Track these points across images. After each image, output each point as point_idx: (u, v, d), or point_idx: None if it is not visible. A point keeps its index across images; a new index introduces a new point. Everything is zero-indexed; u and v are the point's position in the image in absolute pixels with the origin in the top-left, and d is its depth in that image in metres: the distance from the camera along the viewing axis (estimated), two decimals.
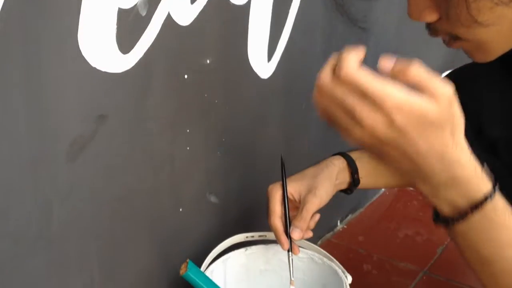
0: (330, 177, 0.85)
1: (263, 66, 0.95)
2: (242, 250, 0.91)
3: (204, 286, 0.77)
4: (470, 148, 0.55)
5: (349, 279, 0.84)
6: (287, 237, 0.82)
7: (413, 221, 1.37)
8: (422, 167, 0.54)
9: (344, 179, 0.88)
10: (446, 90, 0.51)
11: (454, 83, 0.70)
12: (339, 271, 0.85)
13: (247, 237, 0.91)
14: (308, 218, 0.82)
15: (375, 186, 0.97)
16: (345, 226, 1.35)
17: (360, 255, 1.24)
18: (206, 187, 0.91)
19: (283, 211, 0.82)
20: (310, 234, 0.84)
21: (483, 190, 0.56)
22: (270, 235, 0.91)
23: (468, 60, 0.73)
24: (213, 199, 0.92)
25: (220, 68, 0.86)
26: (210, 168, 0.90)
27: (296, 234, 0.81)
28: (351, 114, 0.51)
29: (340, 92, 0.51)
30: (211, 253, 0.86)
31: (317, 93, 0.54)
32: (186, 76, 0.80)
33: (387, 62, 0.51)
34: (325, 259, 0.89)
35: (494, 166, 0.73)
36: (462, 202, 0.56)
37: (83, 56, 0.64)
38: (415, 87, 0.51)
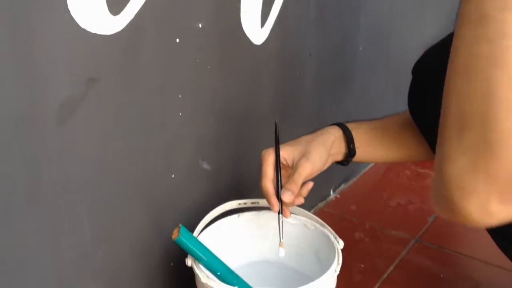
0: (324, 144, 0.86)
1: (256, 32, 0.94)
2: (234, 216, 0.91)
3: (196, 251, 0.77)
4: None
5: (341, 244, 0.84)
6: (278, 200, 0.82)
7: (405, 190, 1.37)
8: None
9: (339, 149, 0.88)
10: None
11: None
12: (331, 236, 0.86)
13: (239, 204, 0.91)
14: (299, 182, 0.82)
15: (372, 158, 0.96)
16: (337, 196, 1.36)
17: (352, 224, 1.25)
18: (198, 154, 0.91)
19: (275, 175, 0.82)
20: (301, 200, 0.84)
21: None
22: (262, 202, 0.91)
23: None
24: (205, 166, 0.92)
25: (213, 33, 0.85)
26: (202, 134, 0.90)
27: (286, 196, 0.81)
28: None
29: None
30: (204, 219, 0.86)
31: None
32: (177, 40, 0.79)
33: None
34: (317, 225, 0.89)
35: None
36: None
37: (72, 17, 0.63)
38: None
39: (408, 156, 0.94)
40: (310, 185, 0.84)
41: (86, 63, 0.67)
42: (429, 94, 0.77)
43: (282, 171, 0.84)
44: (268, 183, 0.82)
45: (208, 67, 0.86)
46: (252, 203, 0.91)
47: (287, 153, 0.84)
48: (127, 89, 0.74)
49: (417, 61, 0.85)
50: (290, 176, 0.82)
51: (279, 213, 0.82)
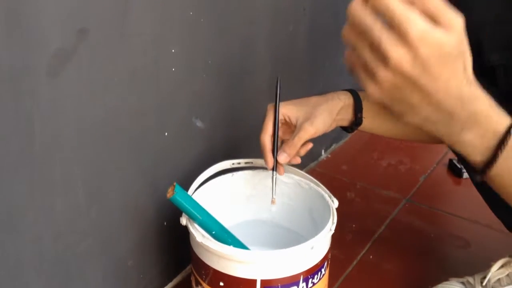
0: (331, 111, 0.84)
1: None
2: (228, 175, 0.89)
3: (191, 209, 0.75)
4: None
5: (335, 203, 0.84)
6: (274, 157, 0.81)
7: (396, 150, 1.37)
8: (442, 106, 0.53)
9: (346, 116, 0.86)
10: (459, 22, 0.51)
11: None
12: (326, 195, 0.85)
13: (233, 163, 0.89)
14: (298, 145, 0.81)
15: (378, 130, 0.92)
16: (329, 155, 1.35)
17: (344, 184, 1.24)
18: (192, 111, 0.88)
19: (273, 131, 0.81)
20: (298, 160, 0.83)
21: (504, 123, 0.55)
22: (256, 162, 0.90)
23: None
24: (198, 123, 0.90)
25: None
26: (195, 91, 0.87)
27: (282, 158, 0.80)
28: (377, 49, 0.50)
29: (369, 19, 0.50)
30: (197, 179, 0.85)
31: (347, 25, 0.53)
32: None
33: None
34: (311, 184, 0.88)
35: (490, 93, 0.72)
36: (485, 143, 0.56)
37: None
38: (431, 16, 0.50)
39: (417, 134, 0.91)
40: (309, 146, 0.84)
41: (76, 12, 0.64)
42: None
43: (285, 127, 0.83)
44: (267, 138, 0.81)
45: (202, 20, 0.83)
46: (246, 163, 0.90)
47: (292, 111, 0.82)
48: (119, 42, 0.71)
49: None
50: (291, 138, 0.81)
51: (273, 169, 0.82)
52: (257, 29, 0.97)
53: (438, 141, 0.82)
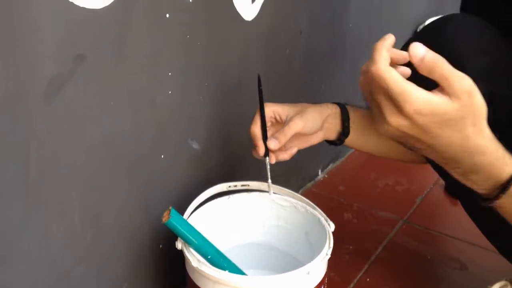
0: (320, 113, 0.85)
1: (247, 7, 0.91)
2: (224, 198, 0.89)
3: (187, 234, 0.75)
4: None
5: (332, 226, 0.83)
6: (264, 144, 0.81)
7: (393, 171, 1.37)
8: (446, 156, 0.59)
9: (334, 126, 0.87)
10: (466, 84, 0.54)
11: (431, 36, 0.70)
12: (322, 219, 0.85)
13: (229, 186, 0.89)
14: (288, 134, 0.81)
15: (365, 146, 0.92)
16: (325, 176, 1.35)
17: (340, 204, 1.24)
18: (188, 133, 0.88)
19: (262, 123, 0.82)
20: (285, 156, 0.83)
21: (507, 172, 0.60)
22: (253, 185, 0.90)
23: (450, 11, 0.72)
24: (195, 145, 0.90)
25: (203, 8, 0.81)
26: (192, 113, 0.87)
27: (272, 143, 0.80)
28: (380, 109, 0.56)
29: (372, 86, 0.56)
30: (193, 202, 0.84)
31: (361, 80, 0.60)
32: (167, 15, 0.76)
33: (417, 52, 0.54)
34: (308, 207, 0.88)
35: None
36: (489, 184, 0.61)
37: None
38: (437, 80, 0.54)
39: (406, 154, 0.92)
40: (295, 150, 0.84)
41: (73, 38, 0.64)
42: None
43: (276, 126, 0.84)
44: (256, 128, 0.82)
45: (198, 43, 0.83)
46: (242, 185, 0.89)
47: (283, 109, 0.84)
48: (116, 66, 0.71)
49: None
50: (281, 128, 0.82)
51: (265, 156, 0.81)
52: (254, 52, 0.97)
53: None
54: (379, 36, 1.40)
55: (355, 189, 1.30)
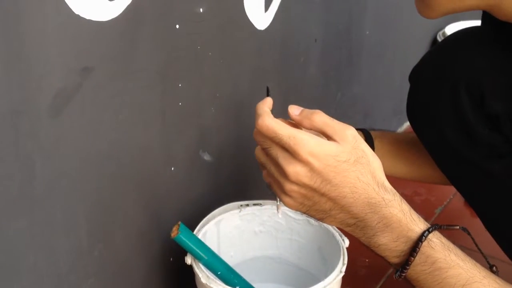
0: None
1: (260, 16, 0.89)
2: (236, 211, 0.87)
3: (196, 250, 0.74)
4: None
5: (346, 242, 0.81)
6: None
7: (412, 181, 1.33)
8: (353, 212, 0.57)
9: None
10: (349, 132, 0.56)
11: (451, 49, 0.68)
12: (336, 234, 0.82)
13: (241, 205, 0.87)
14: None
15: (390, 171, 0.86)
16: None
17: None
18: (199, 145, 0.87)
19: None
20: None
21: (416, 230, 0.58)
22: (265, 203, 0.88)
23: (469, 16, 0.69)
24: (206, 157, 0.88)
25: (214, 18, 0.80)
26: (203, 124, 0.86)
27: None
28: (276, 165, 0.56)
29: (266, 141, 0.57)
30: (203, 221, 0.83)
31: (257, 147, 0.60)
32: (177, 26, 0.74)
33: (294, 110, 0.58)
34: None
35: (496, 141, 0.70)
36: (400, 245, 0.58)
37: (65, 3, 0.59)
38: (321, 128, 0.57)
39: (433, 177, 0.89)
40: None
41: (80, 51, 0.63)
42: (429, 105, 0.74)
43: None
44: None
45: (210, 54, 0.82)
46: (254, 204, 0.87)
47: None
48: (125, 79, 0.70)
49: (415, 67, 0.81)
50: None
51: None
52: (267, 61, 0.96)
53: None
54: (397, 43, 1.38)
55: None
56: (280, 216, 0.80)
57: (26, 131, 0.60)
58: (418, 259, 0.58)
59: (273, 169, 0.58)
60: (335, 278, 0.74)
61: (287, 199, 0.58)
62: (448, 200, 1.27)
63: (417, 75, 0.79)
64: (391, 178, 1.10)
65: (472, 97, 0.68)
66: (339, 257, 0.77)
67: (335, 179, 0.55)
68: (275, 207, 0.87)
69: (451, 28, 1.51)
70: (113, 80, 0.68)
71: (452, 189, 1.29)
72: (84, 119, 0.66)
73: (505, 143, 0.70)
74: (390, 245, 0.59)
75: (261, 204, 0.87)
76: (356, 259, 1.05)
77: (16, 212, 0.62)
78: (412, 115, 0.81)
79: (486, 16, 0.75)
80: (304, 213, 0.60)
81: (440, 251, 0.59)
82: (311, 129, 0.57)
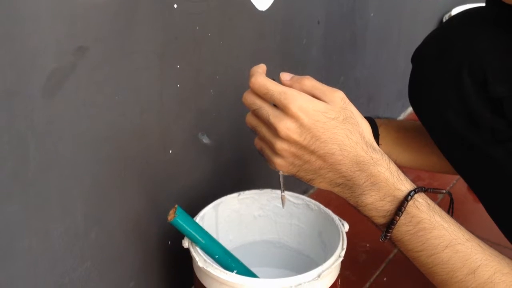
0: None
1: None
2: (234, 195, 0.86)
3: (193, 233, 0.73)
4: None
5: (345, 227, 0.80)
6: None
7: (412, 171, 1.32)
8: (342, 171, 0.58)
9: None
10: (338, 94, 0.58)
11: (455, 30, 0.66)
12: (336, 218, 0.81)
13: (239, 194, 0.86)
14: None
15: (396, 159, 0.85)
16: None
17: None
18: (198, 127, 0.85)
19: None
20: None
21: (402, 189, 0.58)
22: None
23: None
24: (205, 139, 0.87)
25: None
26: (202, 107, 0.85)
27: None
28: (267, 124, 0.58)
29: (258, 102, 0.59)
30: (200, 213, 0.82)
31: (248, 112, 0.62)
32: (175, 6, 0.73)
33: (285, 76, 0.61)
34: (321, 206, 0.85)
35: (499, 126, 0.68)
36: (386, 204, 0.59)
37: None
38: (311, 92, 0.58)
39: (438, 166, 0.88)
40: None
41: (75, 30, 0.61)
42: (432, 87, 0.72)
43: None
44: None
45: (209, 34, 0.80)
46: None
47: None
48: (121, 59, 0.68)
49: (417, 48, 0.79)
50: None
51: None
52: (268, 43, 0.94)
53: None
54: (403, 26, 1.36)
55: None
56: (284, 208, 0.79)
57: (19, 112, 0.59)
58: (403, 219, 0.58)
59: (264, 130, 0.60)
60: (333, 263, 0.73)
61: (278, 160, 0.59)
62: (451, 185, 1.26)
63: (420, 56, 0.78)
64: None
65: (475, 79, 0.67)
66: (339, 241, 0.76)
67: (324, 135, 0.57)
68: (274, 191, 0.86)
69: (458, 11, 1.49)
70: (109, 61, 0.67)
71: (455, 175, 1.28)
72: (79, 100, 0.65)
73: (509, 127, 0.68)
74: (376, 204, 0.59)
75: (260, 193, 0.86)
76: (356, 244, 1.04)
77: (9, 195, 0.61)
78: (413, 96, 0.79)
79: None
80: (295, 174, 0.60)
81: (425, 211, 0.59)
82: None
